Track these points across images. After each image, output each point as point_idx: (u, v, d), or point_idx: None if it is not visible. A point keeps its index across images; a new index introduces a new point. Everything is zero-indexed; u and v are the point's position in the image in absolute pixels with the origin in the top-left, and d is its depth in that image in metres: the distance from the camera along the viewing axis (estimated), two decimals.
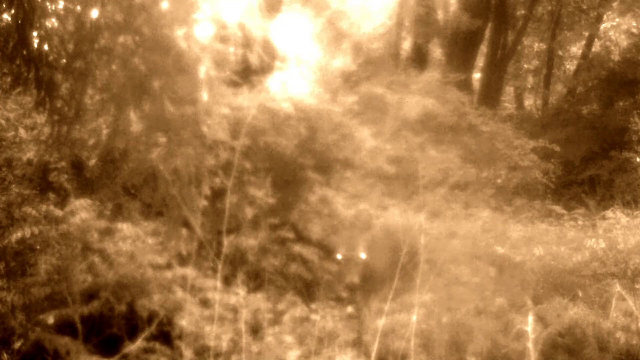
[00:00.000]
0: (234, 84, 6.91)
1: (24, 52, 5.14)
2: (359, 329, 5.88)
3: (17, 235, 5.64)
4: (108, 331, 5.65)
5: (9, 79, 6.05)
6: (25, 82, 5.29)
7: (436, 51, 17.01)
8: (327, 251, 6.75)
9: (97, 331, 5.61)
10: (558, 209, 11.23)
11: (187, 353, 5.24)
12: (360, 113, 8.72)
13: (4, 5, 5.27)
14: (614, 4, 20.04)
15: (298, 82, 7.63)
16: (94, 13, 5.17)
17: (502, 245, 7.98)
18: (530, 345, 4.27)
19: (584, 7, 20.87)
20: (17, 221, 5.87)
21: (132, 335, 5.45)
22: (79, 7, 5.27)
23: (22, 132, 6.54)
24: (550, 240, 8.92)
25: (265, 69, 7.24)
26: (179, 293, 5.65)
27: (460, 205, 8.79)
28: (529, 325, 4.28)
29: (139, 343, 5.26)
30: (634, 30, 21.17)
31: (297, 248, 6.62)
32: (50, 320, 5.40)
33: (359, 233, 6.66)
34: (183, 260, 5.94)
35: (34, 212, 5.87)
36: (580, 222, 10.36)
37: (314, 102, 7.65)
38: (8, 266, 5.74)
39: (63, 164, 6.38)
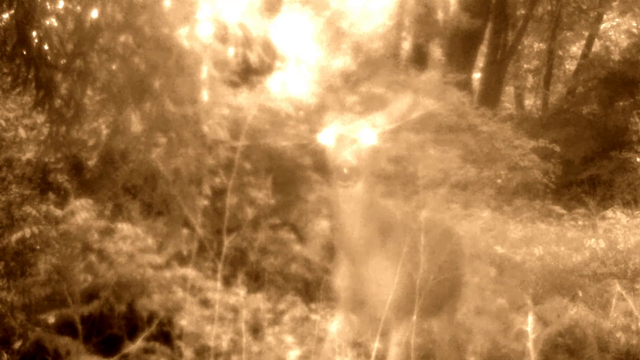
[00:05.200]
0: (233, 84, 6.91)
1: (24, 52, 5.13)
2: (359, 328, 5.87)
3: (17, 235, 5.64)
4: (108, 331, 5.64)
5: (8, 79, 6.05)
6: (24, 82, 5.28)
7: (436, 51, 17.00)
8: (327, 251, 6.75)
9: (97, 331, 5.60)
10: (558, 209, 11.25)
11: (187, 353, 5.23)
12: (360, 113, 8.70)
13: (4, 5, 5.26)
14: (614, 4, 20.06)
15: (298, 82, 7.62)
16: (94, 13, 5.16)
17: (502, 245, 7.99)
18: (530, 345, 4.26)
19: (584, 7, 20.89)
20: (17, 221, 5.86)
21: (132, 335, 5.44)
22: (78, 7, 5.26)
23: (21, 132, 6.54)
24: (550, 240, 8.94)
25: (265, 69, 7.24)
26: (179, 293, 5.64)
27: (460, 205, 8.79)
28: (529, 325, 4.28)
29: (139, 343, 5.25)
30: (634, 30, 21.18)
31: (297, 248, 6.62)
32: (50, 320, 5.39)
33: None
34: (183, 260, 5.93)
35: (34, 212, 5.86)
36: (580, 222, 10.39)
37: (314, 102, 7.64)
38: (8, 266, 5.73)
39: (63, 164, 6.37)
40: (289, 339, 5.69)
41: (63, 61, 5.34)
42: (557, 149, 13.26)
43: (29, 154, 6.51)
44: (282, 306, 6.03)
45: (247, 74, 7.05)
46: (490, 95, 17.60)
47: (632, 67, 17.88)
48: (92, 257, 5.76)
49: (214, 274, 5.68)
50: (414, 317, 4.32)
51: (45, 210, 5.89)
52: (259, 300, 5.84)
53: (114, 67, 5.47)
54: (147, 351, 5.28)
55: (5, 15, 5.41)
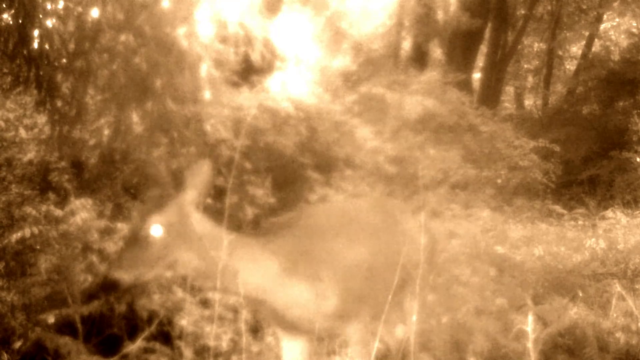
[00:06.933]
0: (234, 84, 6.91)
1: (25, 52, 5.13)
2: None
3: (17, 235, 5.63)
4: (108, 331, 5.64)
5: (9, 79, 6.05)
6: (25, 81, 5.27)
7: (436, 51, 17.02)
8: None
9: (97, 331, 5.60)
10: (558, 209, 11.23)
11: (187, 353, 5.22)
12: (361, 113, 8.73)
13: (5, 5, 5.27)
14: (614, 4, 20.08)
15: (298, 82, 7.63)
16: (95, 12, 5.16)
17: (502, 245, 7.99)
18: (530, 345, 4.25)
19: (584, 7, 20.91)
20: (17, 221, 5.86)
21: (132, 335, 5.43)
22: (79, 7, 5.27)
23: (22, 132, 6.54)
24: (550, 240, 8.93)
25: (265, 68, 7.24)
26: (179, 293, 5.64)
27: (460, 205, 8.79)
28: (529, 325, 4.26)
29: (139, 343, 5.23)
30: (634, 30, 21.20)
31: None
32: (50, 320, 5.38)
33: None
34: None
35: (34, 212, 5.85)
36: (580, 222, 10.38)
37: (314, 101, 7.66)
38: (8, 266, 5.73)
39: (63, 163, 6.37)
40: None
41: (64, 61, 5.34)
42: (557, 149, 13.25)
43: (29, 154, 6.51)
44: None
45: (248, 73, 7.05)
46: (490, 95, 17.61)
47: (632, 67, 17.88)
48: (92, 257, 5.75)
49: None
50: (414, 317, 4.31)
51: (45, 210, 5.89)
52: None
53: (115, 66, 5.47)
54: (147, 351, 5.27)
55: (6, 15, 5.41)
